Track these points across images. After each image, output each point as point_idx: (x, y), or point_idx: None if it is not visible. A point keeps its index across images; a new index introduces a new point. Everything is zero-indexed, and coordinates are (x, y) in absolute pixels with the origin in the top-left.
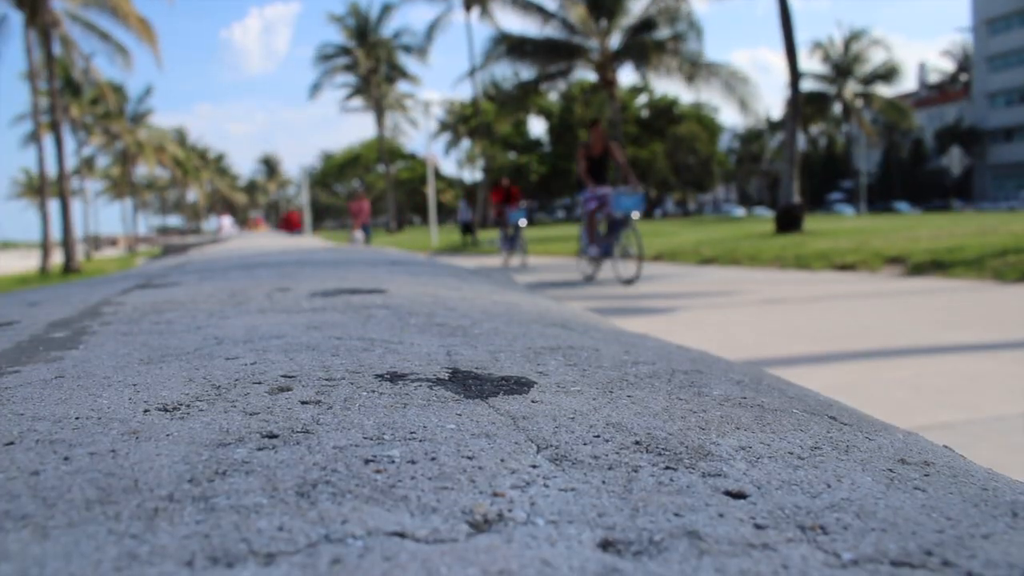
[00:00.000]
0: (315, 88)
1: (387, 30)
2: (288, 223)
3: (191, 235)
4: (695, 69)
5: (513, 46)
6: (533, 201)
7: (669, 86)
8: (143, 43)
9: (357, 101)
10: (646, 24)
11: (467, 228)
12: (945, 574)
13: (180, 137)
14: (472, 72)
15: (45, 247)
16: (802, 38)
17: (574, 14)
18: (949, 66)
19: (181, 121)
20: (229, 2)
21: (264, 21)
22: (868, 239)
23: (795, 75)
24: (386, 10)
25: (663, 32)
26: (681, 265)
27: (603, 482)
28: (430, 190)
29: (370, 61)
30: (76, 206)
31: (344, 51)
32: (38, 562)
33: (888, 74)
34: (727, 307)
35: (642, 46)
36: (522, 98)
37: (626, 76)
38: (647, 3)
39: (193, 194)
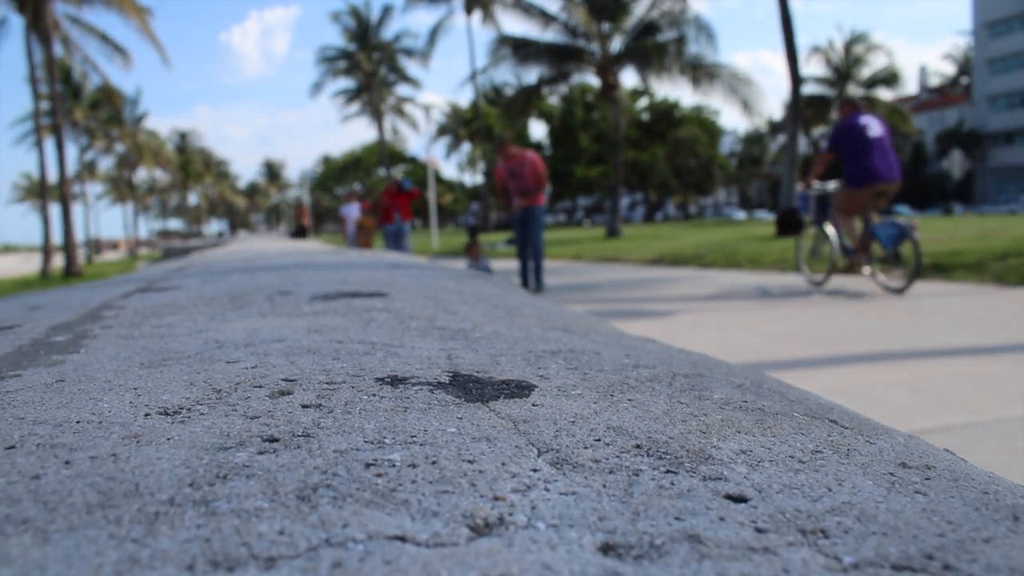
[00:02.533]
0: (316, 87)
1: (388, 33)
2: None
3: (192, 238)
4: (698, 72)
5: (517, 46)
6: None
7: (671, 89)
8: (146, 43)
9: (358, 105)
10: (649, 27)
11: (473, 231)
12: None
13: (183, 142)
14: (473, 76)
15: (46, 250)
16: (803, 41)
17: (576, 16)
18: (950, 69)
19: (179, 123)
20: (228, 5)
21: (263, 24)
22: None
23: (796, 78)
24: (387, 13)
25: (666, 35)
26: (682, 268)
27: (604, 486)
28: (431, 193)
29: (371, 64)
30: (77, 210)
31: (345, 54)
32: (39, 566)
33: (889, 79)
34: (728, 310)
35: (644, 49)
36: (525, 103)
37: (627, 79)
38: (649, 6)
39: (194, 197)
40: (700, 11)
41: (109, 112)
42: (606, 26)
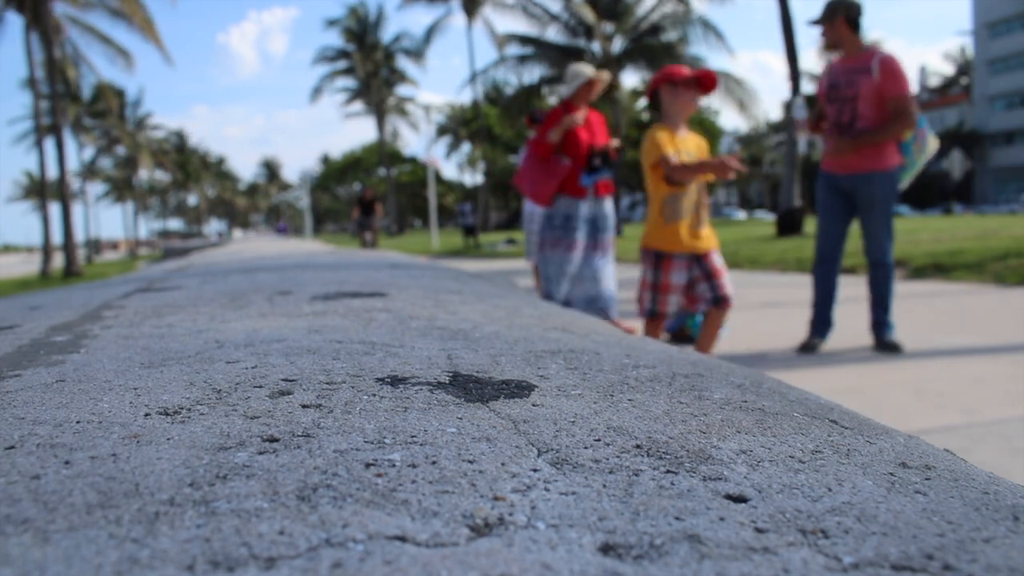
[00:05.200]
0: (315, 92)
1: (387, 34)
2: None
3: (192, 238)
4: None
5: (519, 44)
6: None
7: None
8: (146, 44)
9: (357, 105)
10: (652, 28)
11: (469, 231)
12: None
13: (180, 141)
14: (474, 77)
15: (46, 250)
16: (803, 42)
17: (583, 14)
18: (950, 70)
19: (179, 124)
20: (226, 6)
21: (262, 25)
22: None
23: (796, 78)
24: (386, 15)
25: (669, 35)
26: None
27: (604, 486)
28: (431, 194)
29: (370, 65)
30: (77, 210)
31: (344, 55)
32: (39, 566)
33: None
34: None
35: (647, 49)
36: (525, 102)
37: (627, 79)
38: (653, 6)
39: (194, 198)
40: (706, 12)
41: (109, 111)
42: (610, 27)
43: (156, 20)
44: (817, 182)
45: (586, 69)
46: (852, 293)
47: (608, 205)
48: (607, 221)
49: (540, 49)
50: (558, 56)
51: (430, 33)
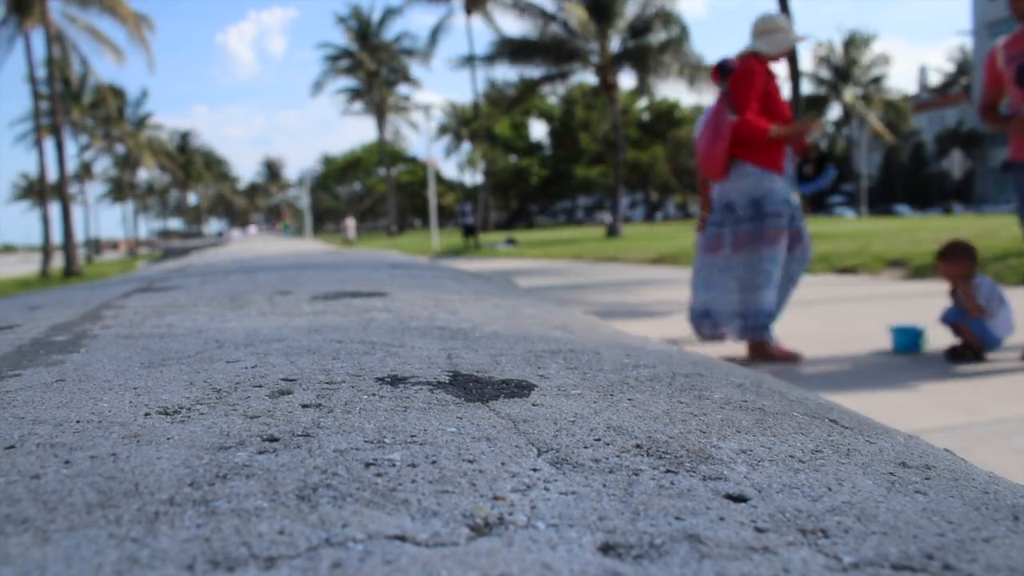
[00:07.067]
0: (317, 86)
1: (389, 34)
2: None
3: (192, 238)
4: (696, 72)
5: (515, 51)
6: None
7: (671, 89)
8: (138, 44)
9: (358, 104)
10: (643, 27)
11: (469, 231)
12: None
13: (183, 141)
14: (472, 73)
15: (46, 251)
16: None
17: (574, 17)
18: (950, 69)
19: (178, 124)
20: (226, 6)
21: (261, 26)
22: (869, 242)
23: (795, 78)
24: (388, 14)
25: (659, 35)
26: (683, 268)
27: (604, 485)
28: (431, 193)
29: (372, 64)
30: (77, 210)
31: (346, 54)
32: (39, 566)
33: (878, 78)
34: None
35: (641, 49)
36: (519, 99)
37: (627, 79)
38: (641, 6)
39: (194, 197)
40: (698, 10)
41: (108, 112)
42: (605, 26)
43: (154, 20)
44: (1012, 177)
45: (788, 26)
46: (854, 293)
47: (784, 183)
48: (791, 205)
49: (538, 51)
50: (556, 57)
51: (435, 34)
